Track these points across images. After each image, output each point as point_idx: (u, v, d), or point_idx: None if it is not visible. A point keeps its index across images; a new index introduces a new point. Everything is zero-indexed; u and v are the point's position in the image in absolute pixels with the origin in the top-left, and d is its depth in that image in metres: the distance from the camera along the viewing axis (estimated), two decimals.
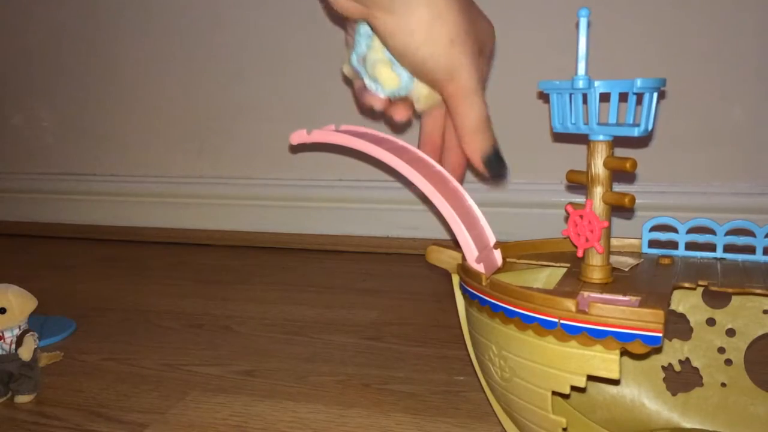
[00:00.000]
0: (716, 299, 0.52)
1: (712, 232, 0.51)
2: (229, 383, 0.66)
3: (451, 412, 0.59)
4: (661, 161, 0.98)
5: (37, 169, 1.31)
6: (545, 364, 0.42)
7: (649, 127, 0.47)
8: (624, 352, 0.39)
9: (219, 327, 0.81)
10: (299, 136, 0.57)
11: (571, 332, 0.40)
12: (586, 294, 0.44)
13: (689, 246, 0.52)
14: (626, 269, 0.49)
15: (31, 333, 0.69)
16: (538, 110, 1.01)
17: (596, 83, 0.45)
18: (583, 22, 0.46)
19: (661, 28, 0.95)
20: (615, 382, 0.48)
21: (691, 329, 0.53)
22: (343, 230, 1.14)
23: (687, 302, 0.53)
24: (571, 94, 0.47)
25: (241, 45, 1.13)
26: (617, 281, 0.47)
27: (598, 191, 0.46)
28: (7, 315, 0.67)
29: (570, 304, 0.40)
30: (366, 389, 0.64)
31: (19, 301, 0.68)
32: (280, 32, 1.11)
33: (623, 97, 0.47)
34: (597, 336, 0.39)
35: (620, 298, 0.43)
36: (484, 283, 0.45)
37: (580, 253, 0.48)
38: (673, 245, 0.53)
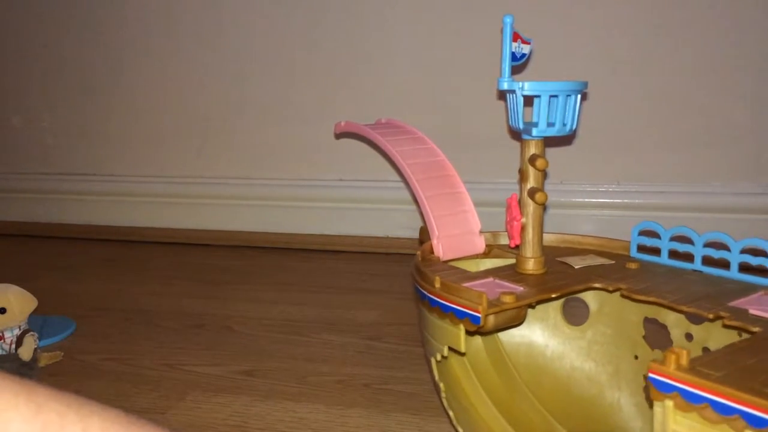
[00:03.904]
0: (694, 315, 0.50)
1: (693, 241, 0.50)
2: (229, 383, 0.66)
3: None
4: (662, 161, 0.98)
5: (37, 169, 1.31)
6: (429, 334, 0.49)
7: (574, 126, 0.49)
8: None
9: (219, 327, 0.81)
10: (337, 127, 0.65)
11: (433, 305, 0.46)
12: (491, 280, 0.48)
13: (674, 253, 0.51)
14: (576, 267, 0.51)
15: (31, 333, 0.69)
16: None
17: (524, 85, 0.48)
18: (507, 29, 0.49)
19: (663, 29, 0.95)
20: (461, 354, 0.49)
21: (671, 342, 0.52)
22: (343, 230, 1.14)
23: (669, 315, 0.52)
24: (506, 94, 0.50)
25: (241, 47, 1.13)
26: (548, 274, 0.50)
27: (524, 186, 0.50)
28: (7, 315, 0.67)
29: (437, 280, 0.46)
30: (366, 389, 0.64)
31: (19, 301, 0.68)
32: (281, 34, 1.11)
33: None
34: (444, 310, 0.45)
35: (507, 284, 0.47)
36: (419, 258, 0.52)
37: (512, 243, 0.51)
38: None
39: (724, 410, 0.30)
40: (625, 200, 0.99)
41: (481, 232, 0.56)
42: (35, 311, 0.70)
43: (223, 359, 0.72)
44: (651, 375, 0.33)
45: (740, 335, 0.47)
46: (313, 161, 1.13)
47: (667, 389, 0.32)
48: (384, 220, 1.11)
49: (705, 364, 0.32)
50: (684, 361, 0.32)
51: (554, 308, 0.57)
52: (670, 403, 0.32)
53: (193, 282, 1.00)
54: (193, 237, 1.22)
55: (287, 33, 1.10)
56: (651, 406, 0.33)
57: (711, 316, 0.42)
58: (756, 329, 0.38)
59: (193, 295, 0.94)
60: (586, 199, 1.01)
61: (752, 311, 0.41)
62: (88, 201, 1.28)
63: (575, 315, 0.57)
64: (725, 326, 0.41)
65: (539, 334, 0.57)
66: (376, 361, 0.70)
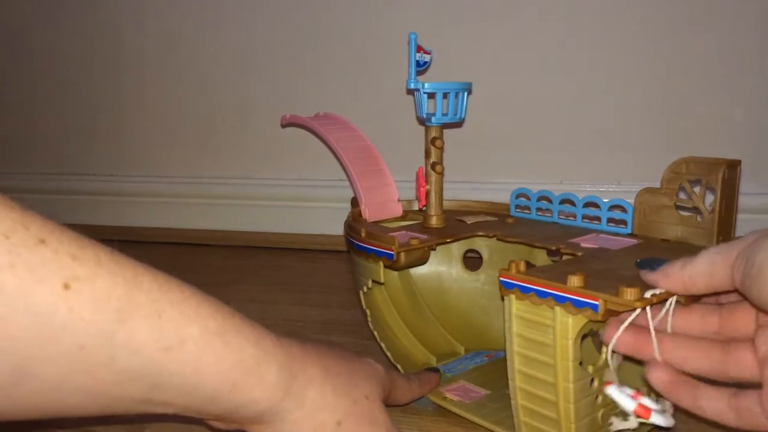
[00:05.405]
0: (544, 249, 0.63)
1: (571, 202, 0.65)
2: None
3: (451, 411, 0.59)
4: (662, 161, 0.98)
5: (37, 169, 1.31)
6: (358, 273, 0.65)
7: (462, 115, 0.65)
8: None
9: None
10: (283, 119, 0.76)
11: (360, 249, 0.62)
12: (404, 232, 0.63)
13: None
14: (468, 222, 0.67)
15: None
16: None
17: (425, 85, 0.63)
18: (412, 43, 0.65)
19: (663, 28, 0.95)
20: (380, 283, 0.63)
21: None
22: (342, 230, 1.14)
23: (539, 257, 0.67)
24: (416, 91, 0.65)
25: (241, 45, 1.13)
26: (446, 227, 0.66)
27: (428, 161, 0.66)
28: None
29: (363, 231, 0.61)
30: None
31: None
32: (281, 33, 1.11)
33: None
34: (368, 252, 0.60)
35: (415, 234, 0.62)
36: (350, 219, 0.69)
37: (419, 205, 0.68)
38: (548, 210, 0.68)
39: (542, 295, 0.44)
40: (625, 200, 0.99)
41: (399, 200, 0.71)
42: None
43: None
44: (500, 278, 0.47)
45: None
46: (313, 161, 1.13)
47: (509, 287, 0.47)
48: None
49: (537, 271, 0.47)
50: (521, 268, 0.47)
51: (456, 259, 0.74)
52: (512, 296, 0.47)
53: (192, 282, 0.99)
54: (192, 237, 1.22)
55: (288, 33, 1.10)
56: (502, 299, 0.48)
57: (554, 248, 0.57)
58: (580, 253, 0.54)
59: None
60: None
61: (583, 244, 0.56)
62: (88, 201, 1.28)
63: (472, 264, 0.74)
64: (561, 253, 0.56)
65: (445, 279, 0.74)
66: (375, 361, 0.70)
